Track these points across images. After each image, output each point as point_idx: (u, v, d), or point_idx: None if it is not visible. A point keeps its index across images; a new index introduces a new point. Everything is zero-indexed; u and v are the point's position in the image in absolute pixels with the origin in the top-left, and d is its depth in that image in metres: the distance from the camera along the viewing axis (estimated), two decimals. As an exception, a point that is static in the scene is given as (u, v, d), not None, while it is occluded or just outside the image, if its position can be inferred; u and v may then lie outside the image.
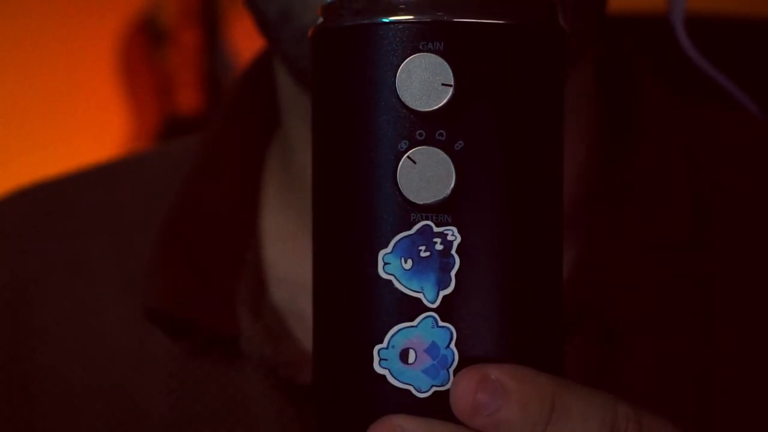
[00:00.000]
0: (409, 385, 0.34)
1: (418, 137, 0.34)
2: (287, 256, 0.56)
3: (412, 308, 0.34)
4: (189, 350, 0.55)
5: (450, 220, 0.34)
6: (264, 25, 0.52)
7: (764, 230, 0.55)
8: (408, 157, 0.34)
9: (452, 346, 0.34)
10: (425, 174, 0.34)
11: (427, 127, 0.34)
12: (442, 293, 0.34)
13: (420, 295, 0.34)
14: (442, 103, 0.34)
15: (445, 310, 0.34)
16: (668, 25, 0.54)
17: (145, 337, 0.56)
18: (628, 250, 0.53)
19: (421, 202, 0.34)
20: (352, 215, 0.35)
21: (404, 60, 0.34)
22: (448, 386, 0.34)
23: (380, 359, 0.34)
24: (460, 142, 0.34)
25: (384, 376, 0.34)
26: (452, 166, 0.34)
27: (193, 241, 0.57)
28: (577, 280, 0.51)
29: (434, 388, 0.34)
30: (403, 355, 0.34)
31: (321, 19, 0.36)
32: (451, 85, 0.34)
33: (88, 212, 0.60)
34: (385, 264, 0.34)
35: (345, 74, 0.35)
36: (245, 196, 0.58)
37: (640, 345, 0.52)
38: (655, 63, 0.57)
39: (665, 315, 0.52)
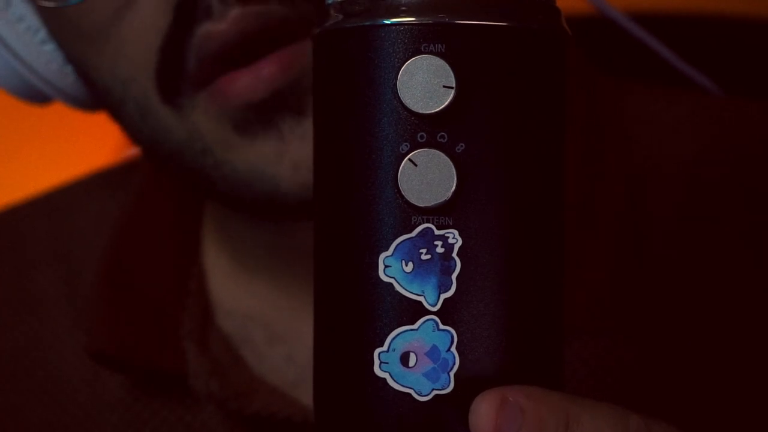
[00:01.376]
0: (410, 388, 0.34)
1: (419, 139, 0.34)
2: (230, 290, 0.56)
3: (412, 311, 0.34)
4: (139, 388, 0.54)
5: (451, 223, 0.34)
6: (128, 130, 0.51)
7: (700, 200, 0.54)
8: (409, 159, 0.34)
9: (453, 349, 0.34)
10: (426, 176, 0.34)
11: (428, 130, 0.34)
12: (443, 296, 0.34)
13: (421, 298, 0.34)
14: (443, 106, 0.34)
15: (446, 314, 0.34)
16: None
17: (96, 374, 0.55)
18: (614, 249, 0.53)
19: (422, 205, 0.34)
20: (353, 218, 0.35)
21: (406, 62, 0.34)
22: (448, 390, 0.34)
23: (381, 362, 0.34)
24: (461, 144, 0.34)
25: (384, 380, 0.34)
26: (453, 169, 0.34)
27: (134, 276, 0.56)
28: None
29: (435, 392, 0.34)
30: (404, 359, 0.34)
31: (323, 21, 0.36)
32: (452, 87, 0.34)
33: (37, 244, 0.60)
34: (386, 267, 0.34)
35: (346, 76, 0.35)
36: (186, 226, 0.57)
37: (628, 344, 0.52)
38: (598, 55, 0.57)
39: (652, 314, 0.52)
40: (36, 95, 0.53)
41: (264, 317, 0.54)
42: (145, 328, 0.54)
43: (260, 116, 0.47)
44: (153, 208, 0.58)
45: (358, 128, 0.35)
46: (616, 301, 0.52)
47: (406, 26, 0.34)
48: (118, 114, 0.51)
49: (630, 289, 0.52)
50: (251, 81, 0.46)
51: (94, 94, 0.52)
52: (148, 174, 0.59)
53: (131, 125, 0.50)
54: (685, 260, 0.53)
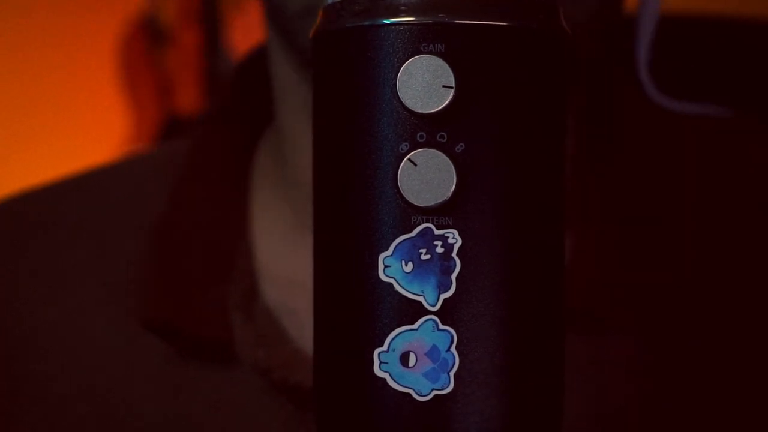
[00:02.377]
0: (410, 388, 0.34)
1: (419, 139, 0.34)
2: (281, 252, 0.56)
3: (412, 311, 0.34)
4: (182, 355, 0.55)
5: (451, 223, 0.34)
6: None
7: (732, 217, 0.55)
8: (409, 159, 0.34)
9: (453, 349, 0.34)
10: (426, 176, 0.34)
11: (428, 129, 0.34)
12: (443, 296, 0.34)
13: (420, 298, 0.34)
14: (443, 105, 0.34)
15: (446, 314, 0.34)
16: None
17: (132, 342, 0.56)
18: (613, 247, 0.53)
19: (421, 205, 0.34)
20: (353, 217, 0.35)
21: (405, 62, 0.34)
22: (448, 390, 0.34)
23: (381, 362, 0.34)
24: (461, 144, 0.34)
25: (384, 380, 0.34)
26: (453, 169, 0.34)
27: (184, 249, 0.57)
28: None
29: (435, 392, 0.34)
30: (404, 359, 0.34)
31: (323, 21, 0.36)
32: (452, 87, 0.34)
33: (71, 222, 0.61)
34: (386, 267, 0.34)
35: (346, 76, 0.35)
36: (234, 198, 0.58)
37: (625, 341, 0.52)
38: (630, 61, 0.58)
39: (650, 311, 0.52)
40: None
41: (309, 282, 0.55)
42: (194, 298, 0.55)
43: None
44: (200, 184, 0.58)
45: (357, 128, 0.35)
46: (627, 299, 0.52)
47: (405, 26, 0.34)
48: None
49: (639, 288, 0.52)
50: None
51: None
52: (194, 148, 0.59)
53: None
54: (699, 263, 0.53)
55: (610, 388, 0.51)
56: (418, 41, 0.34)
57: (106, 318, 0.57)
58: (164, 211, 0.58)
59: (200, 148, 0.59)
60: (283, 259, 0.56)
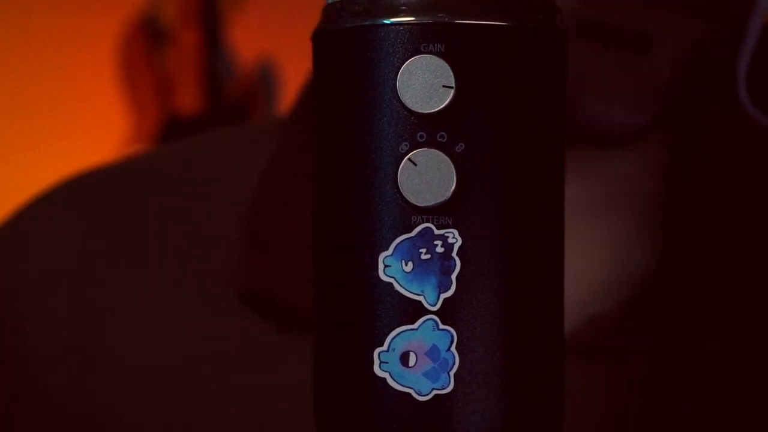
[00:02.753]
0: (410, 388, 0.34)
1: (418, 139, 0.34)
2: None
3: (412, 311, 0.34)
4: (278, 329, 0.55)
5: (451, 223, 0.34)
6: None
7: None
8: (409, 159, 0.34)
9: (453, 349, 0.34)
10: (426, 176, 0.34)
11: (428, 129, 0.34)
12: (443, 296, 0.34)
13: (420, 298, 0.34)
14: (443, 105, 0.34)
15: (446, 313, 0.34)
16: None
17: (225, 316, 0.55)
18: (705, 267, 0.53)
19: (421, 204, 0.34)
20: (353, 217, 0.35)
21: (405, 61, 0.34)
22: (448, 389, 0.34)
23: (381, 362, 0.34)
24: (461, 144, 0.34)
25: (384, 379, 0.34)
26: (453, 168, 0.34)
27: (281, 225, 0.56)
28: (650, 290, 0.52)
29: (435, 392, 0.34)
30: (404, 358, 0.34)
31: (323, 21, 0.36)
32: (452, 87, 0.34)
33: (153, 198, 0.61)
34: (386, 266, 0.34)
35: (346, 76, 0.35)
36: None
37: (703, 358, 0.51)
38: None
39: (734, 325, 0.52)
40: None
41: None
42: (293, 270, 0.54)
43: None
44: (295, 158, 0.58)
45: (357, 128, 0.35)
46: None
47: (405, 26, 0.34)
48: None
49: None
50: None
51: None
52: (286, 124, 0.59)
53: None
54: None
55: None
56: (418, 41, 0.34)
57: (192, 296, 0.57)
58: (260, 186, 0.58)
59: (292, 125, 0.59)
60: None
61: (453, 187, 0.34)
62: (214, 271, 0.57)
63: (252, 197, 0.58)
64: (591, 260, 0.53)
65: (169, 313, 0.57)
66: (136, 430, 0.55)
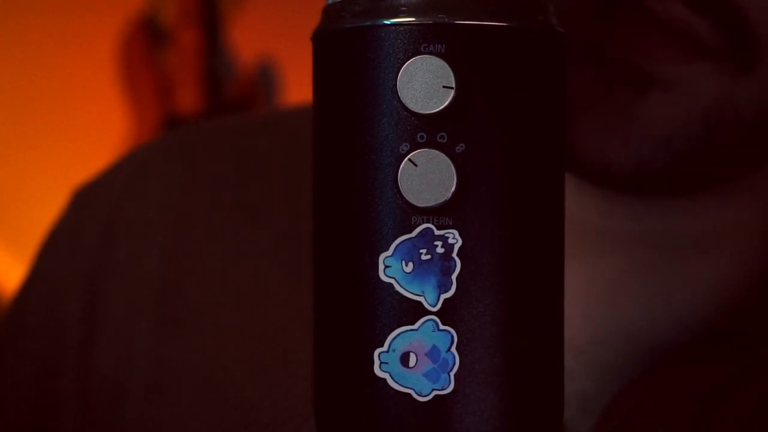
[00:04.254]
0: (410, 388, 0.34)
1: (419, 140, 0.34)
2: None
3: (412, 311, 0.34)
4: None
5: (451, 223, 0.34)
6: None
7: None
8: (409, 159, 0.34)
9: (453, 349, 0.34)
10: (426, 176, 0.34)
11: (428, 130, 0.34)
12: (443, 296, 0.34)
13: (421, 299, 0.34)
14: (443, 106, 0.34)
15: (446, 314, 0.34)
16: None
17: (302, 288, 0.53)
18: None
19: (422, 205, 0.34)
20: (353, 218, 0.35)
21: (405, 62, 0.34)
22: (448, 390, 0.34)
23: (381, 363, 0.34)
24: (461, 144, 0.34)
25: (384, 380, 0.34)
26: (453, 169, 0.34)
27: None
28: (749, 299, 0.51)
29: (435, 392, 0.34)
30: (404, 359, 0.34)
31: (323, 21, 0.36)
32: (452, 88, 0.34)
33: (259, 158, 0.60)
34: (386, 267, 0.34)
35: (346, 76, 0.35)
36: None
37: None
38: None
39: None
40: None
41: None
42: None
43: None
44: None
45: (358, 128, 0.35)
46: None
47: (405, 26, 0.34)
48: None
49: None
50: None
51: None
52: None
53: None
54: None
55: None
56: (418, 42, 0.34)
57: (280, 261, 0.55)
58: None
59: None
60: None
61: (453, 188, 0.34)
62: (299, 237, 0.55)
63: None
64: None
65: (253, 277, 0.55)
66: (211, 392, 0.54)
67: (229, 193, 0.58)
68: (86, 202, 0.61)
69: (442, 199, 0.34)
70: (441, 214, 0.34)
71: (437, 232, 0.34)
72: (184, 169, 0.60)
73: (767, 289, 0.52)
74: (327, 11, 0.36)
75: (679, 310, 0.51)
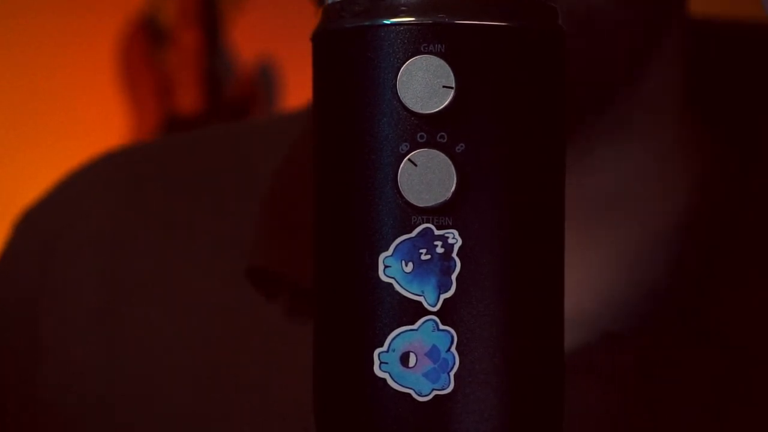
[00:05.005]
0: (410, 388, 0.34)
1: (419, 139, 0.34)
2: None
3: (412, 311, 0.34)
4: (285, 310, 0.55)
5: (451, 223, 0.34)
6: None
7: None
8: (409, 159, 0.34)
9: (453, 349, 0.34)
10: (426, 176, 0.34)
11: (428, 130, 0.34)
12: (443, 296, 0.34)
13: (421, 299, 0.34)
14: (443, 106, 0.34)
15: (446, 314, 0.34)
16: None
17: (237, 297, 0.56)
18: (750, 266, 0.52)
19: (421, 205, 0.34)
20: (353, 218, 0.35)
21: (405, 62, 0.34)
22: (448, 390, 0.34)
23: (380, 363, 0.34)
24: (461, 144, 0.34)
25: (384, 380, 0.34)
26: (453, 169, 0.34)
27: (297, 208, 0.57)
28: (692, 288, 0.51)
29: (435, 392, 0.34)
30: (404, 359, 0.34)
31: (323, 21, 0.36)
32: (452, 87, 0.34)
33: (187, 175, 0.62)
34: (386, 267, 0.34)
35: (346, 76, 0.35)
36: None
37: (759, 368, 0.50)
38: None
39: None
40: None
41: None
42: (301, 251, 0.55)
43: None
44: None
45: (357, 128, 0.35)
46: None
47: (405, 26, 0.34)
48: None
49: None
50: None
51: None
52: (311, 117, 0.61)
53: None
54: None
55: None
56: (418, 41, 0.34)
57: (213, 272, 0.58)
58: (280, 171, 0.59)
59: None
60: None
61: (453, 188, 0.34)
62: (232, 248, 0.57)
63: (272, 181, 0.59)
64: (602, 268, 0.52)
65: (187, 292, 0.57)
66: (156, 406, 0.56)
67: (158, 213, 0.61)
68: (25, 229, 0.64)
69: (441, 199, 0.34)
70: (441, 214, 0.34)
71: (437, 232, 0.34)
72: (117, 192, 0.62)
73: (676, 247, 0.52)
74: (327, 11, 0.36)
75: (594, 278, 0.51)
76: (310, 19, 0.40)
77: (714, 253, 0.52)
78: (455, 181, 0.34)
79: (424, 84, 0.34)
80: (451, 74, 0.34)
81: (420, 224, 0.34)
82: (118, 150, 0.66)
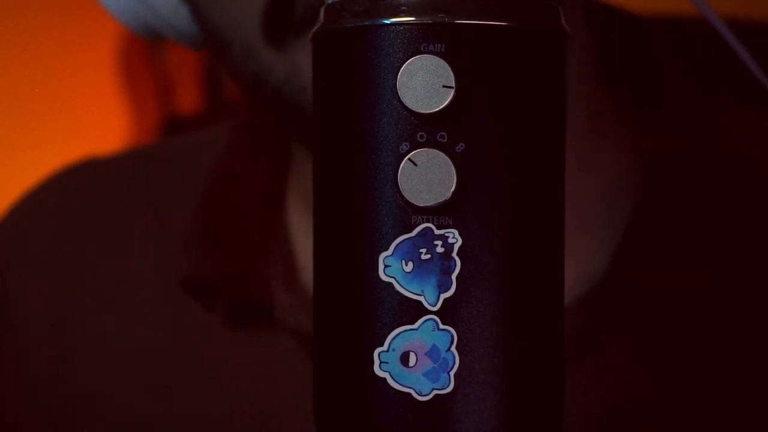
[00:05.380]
0: (410, 388, 0.34)
1: (419, 139, 0.34)
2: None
3: (412, 311, 0.34)
4: (222, 320, 0.56)
5: (451, 223, 0.34)
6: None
7: None
8: (409, 159, 0.34)
9: (453, 349, 0.34)
10: (426, 176, 0.34)
11: (428, 129, 0.34)
12: (443, 296, 0.34)
13: (421, 298, 0.34)
14: (443, 105, 0.34)
15: (446, 313, 0.34)
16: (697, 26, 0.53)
17: (180, 309, 0.57)
18: (661, 248, 0.52)
19: (421, 205, 0.34)
20: (353, 217, 0.35)
21: (405, 62, 0.34)
22: (448, 389, 0.34)
23: (381, 362, 0.34)
24: (461, 144, 0.34)
25: (384, 380, 0.34)
26: (453, 169, 0.34)
27: (228, 217, 0.58)
28: (615, 274, 0.51)
29: (435, 392, 0.34)
30: (404, 358, 0.34)
31: (322, 21, 0.36)
32: (452, 87, 0.34)
33: (128, 191, 0.63)
34: (386, 267, 0.34)
35: (346, 76, 0.35)
36: (272, 185, 0.59)
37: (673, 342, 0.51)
38: (686, 64, 0.57)
39: (701, 311, 0.52)
40: (152, 33, 0.56)
41: None
42: (237, 263, 0.57)
43: None
44: (245, 159, 0.60)
45: (357, 128, 0.35)
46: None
47: (405, 26, 0.34)
48: (223, 54, 0.54)
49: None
50: None
51: (204, 34, 0.55)
52: (239, 129, 0.62)
53: (235, 65, 0.53)
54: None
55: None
56: (418, 41, 0.34)
57: (156, 286, 0.59)
58: (211, 182, 0.60)
59: (245, 131, 0.61)
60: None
61: (453, 187, 0.34)
62: (169, 261, 0.59)
63: (202, 192, 0.60)
64: None
65: (132, 305, 0.59)
66: (106, 417, 0.57)
67: (101, 228, 0.62)
68: None
69: (442, 199, 0.34)
70: (441, 213, 0.34)
71: (437, 232, 0.34)
72: (65, 209, 0.64)
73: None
74: (327, 11, 0.36)
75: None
76: (310, 19, 0.40)
77: (642, 234, 0.53)
78: (455, 181, 0.34)
79: (424, 84, 0.34)
80: (451, 74, 0.34)
81: (420, 224, 0.34)
82: (73, 165, 0.67)
